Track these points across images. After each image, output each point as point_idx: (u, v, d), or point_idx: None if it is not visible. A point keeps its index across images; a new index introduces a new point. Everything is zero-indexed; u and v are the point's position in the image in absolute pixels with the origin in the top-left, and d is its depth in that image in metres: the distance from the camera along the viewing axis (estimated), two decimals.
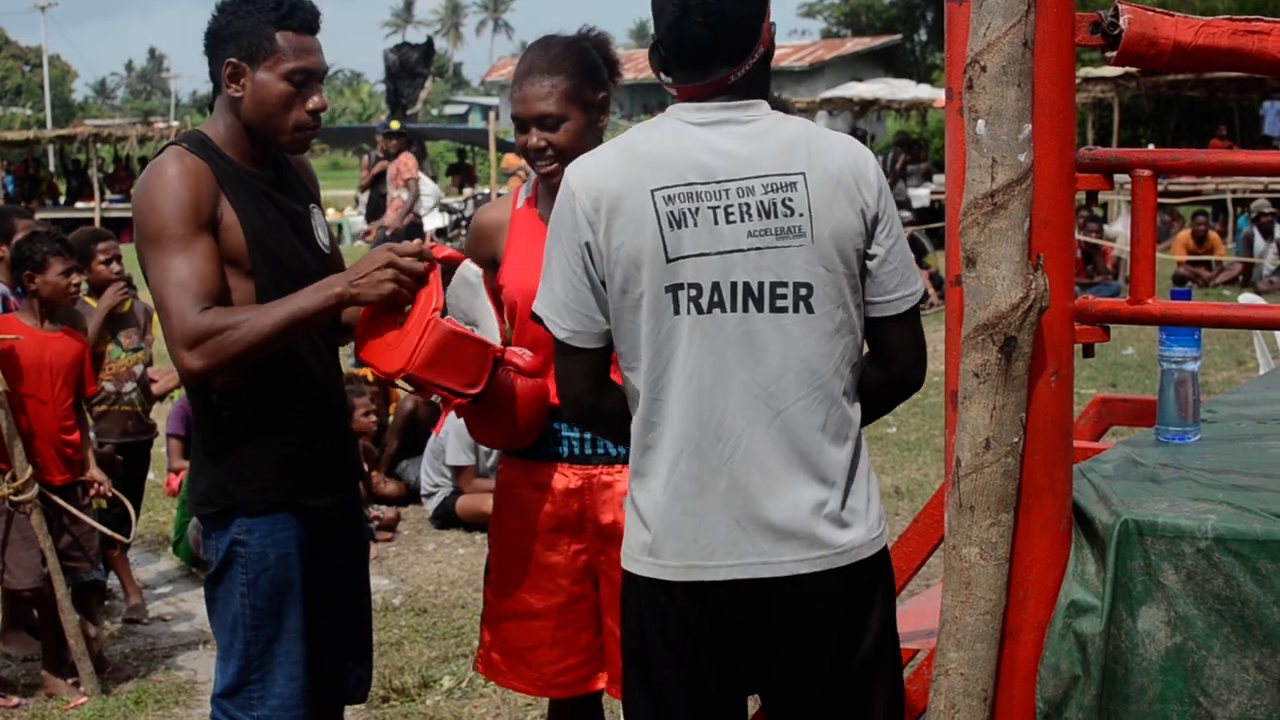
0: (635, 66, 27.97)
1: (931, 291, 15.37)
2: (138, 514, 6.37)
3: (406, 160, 15.24)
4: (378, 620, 5.76)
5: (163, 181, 3.00)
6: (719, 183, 2.43)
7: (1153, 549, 2.23)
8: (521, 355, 3.13)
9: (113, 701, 5.02)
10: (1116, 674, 2.24)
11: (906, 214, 18.72)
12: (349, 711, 4.04)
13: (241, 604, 3.12)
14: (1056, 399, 2.32)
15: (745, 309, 2.42)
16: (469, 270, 3.09)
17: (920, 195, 22.34)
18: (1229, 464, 2.64)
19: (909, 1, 46.93)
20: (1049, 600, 2.33)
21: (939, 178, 22.10)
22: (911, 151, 25.69)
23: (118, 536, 5.35)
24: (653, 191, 2.42)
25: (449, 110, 54.96)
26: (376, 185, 16.27)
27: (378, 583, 6.37)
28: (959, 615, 2.29)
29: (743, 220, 2.42)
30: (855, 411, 2.52)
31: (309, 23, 3.10)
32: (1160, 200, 12.95)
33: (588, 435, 3.21)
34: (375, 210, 16.35)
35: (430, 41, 31.68)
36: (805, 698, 2.53)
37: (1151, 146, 19.27)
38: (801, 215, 2.42)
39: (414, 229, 14.45)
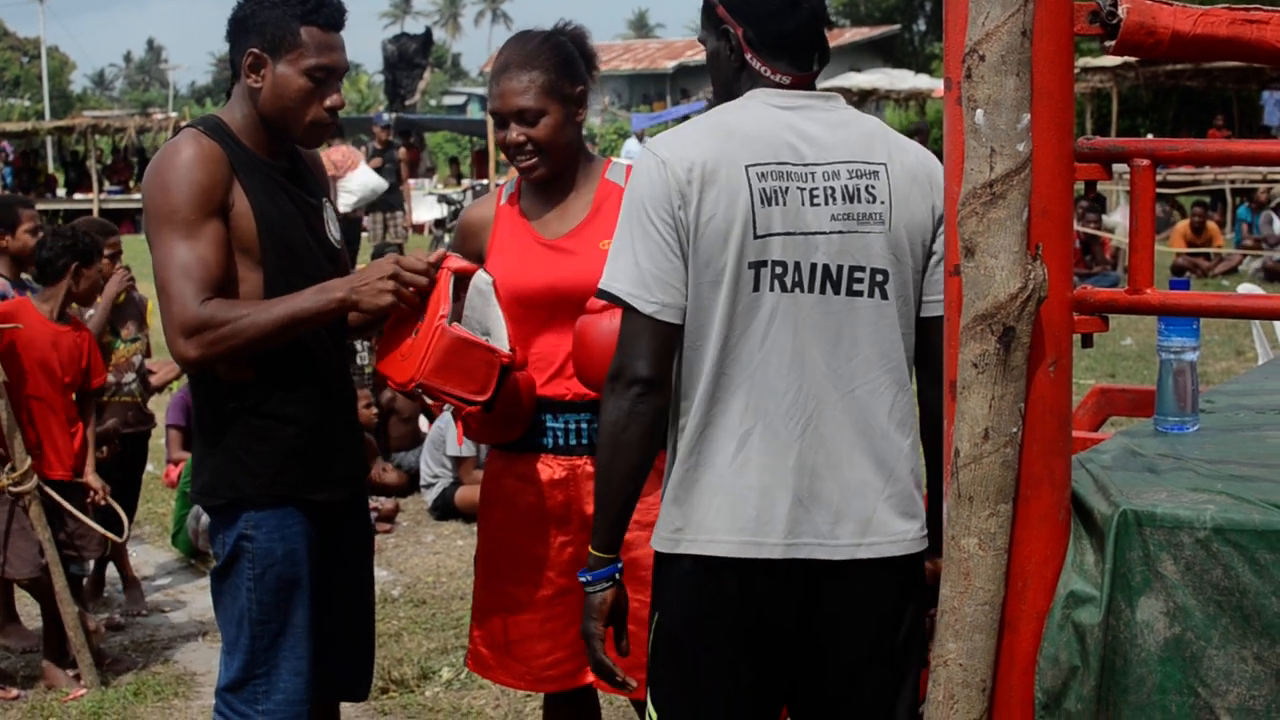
0: (635, 57, 27.95)
1: None
2: (136, 505, 6.38)
3: (342, 151, 15.07)
4: (377, 611, 5.78)
5: (177, 163, 2.98)
6: (807, 165, 2.48)
7: (1151, 539, 2.22)
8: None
9: (112, 693, 5.02)
10: (1115, 664, 2.24)
11: None
12: (349, 704, 4.04)
13: (248, 599, 3.11)
14: (1055, 389, 2.32)
15: (824, 290, 2.47)
16: (481, 279, 3.07)
17: None
18: (1228, 454, 2.64)
19: None
20: (1048, 591, 2.33)
21: None
22: (922, 141, 25.65)
23: (111, 535, 5.34)
24: (747, 167, 2.44)
25: (448, 101, 54.93)
26: None
27: (377, 574, 6.36)
28: (957, 606, 2.29)
29: (828, 203, 2.47)
30: (914, 406, 2.57)
31: (334, 19, 3.09)
32: (1159, 190, 12.93)
33: (572, 426, 3.20)
34: (375, 201, 16.37)
35: (429, 32, 31.68)
36: (834, 688, 2.54)
37: (1150, 136, 19.28)
38: (882, 204, 2.50)
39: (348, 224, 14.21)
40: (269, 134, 3.11)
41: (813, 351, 2.46)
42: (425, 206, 21.58)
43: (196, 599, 6.14)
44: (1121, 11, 2.27)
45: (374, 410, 7.64)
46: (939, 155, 2.45)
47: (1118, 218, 17.25)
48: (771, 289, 2.45)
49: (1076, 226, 13.48)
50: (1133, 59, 20.20)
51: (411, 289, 2.94)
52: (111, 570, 6.19)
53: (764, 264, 2.44)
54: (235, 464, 3.10)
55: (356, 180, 15.04)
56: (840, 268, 2.48)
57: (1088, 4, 2.29)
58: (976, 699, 2.30)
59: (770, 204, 2.44)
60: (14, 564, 5.08)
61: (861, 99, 26.74)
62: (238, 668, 3.14)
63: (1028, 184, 2.21)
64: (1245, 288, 10.85)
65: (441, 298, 2.94)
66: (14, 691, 5.07)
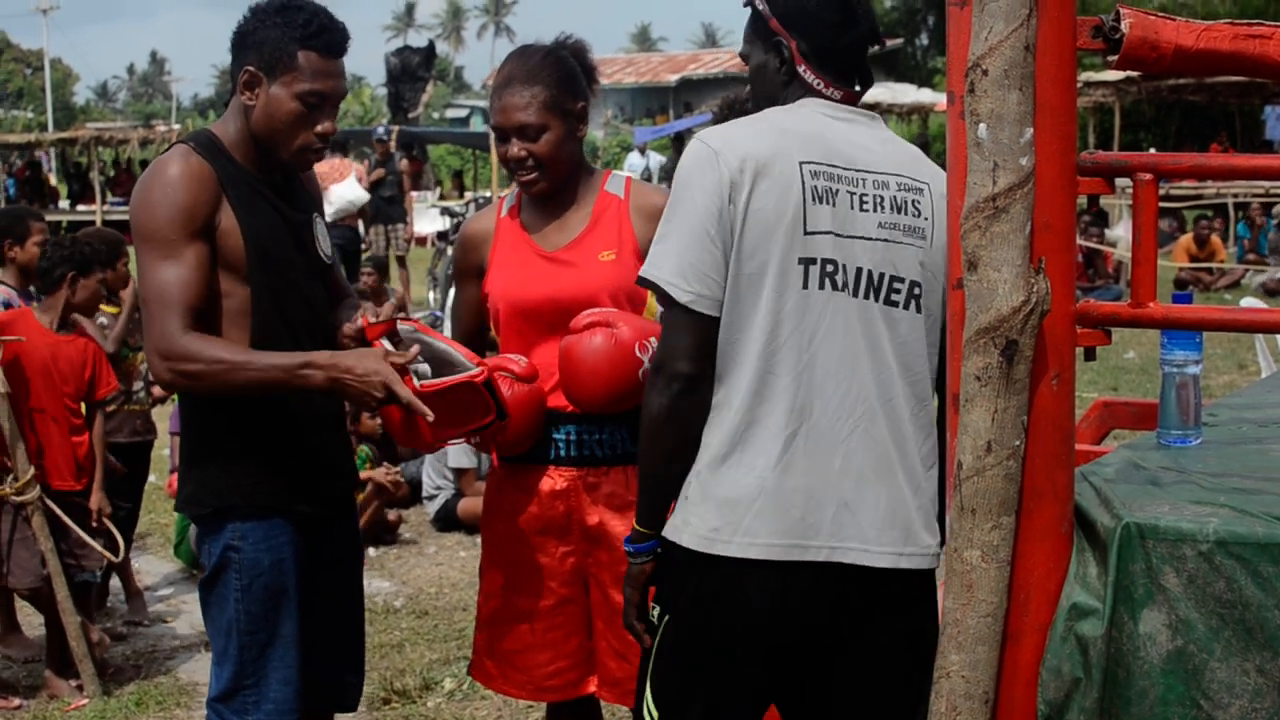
0: (637, 70, 27.97)
1: None
2: (138, 514, 6.38)
3: (330, 164, 15.31)
4: (379, 622, 5.78)
5: (163, 182, 2.98)
6: (858, 170, 2.50)
7: (1154, 552, 2.23)
8: (517, 361, 3.14)
9: (114, 703, 5.03)
10: (1118, 677, 2.24)
11: None
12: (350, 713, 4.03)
13: (236, 609, 3.11)
14: (1058, 402, 2.32)
15: (866, 296, 2.48)
16: (403, 328, 3.12)
17: None
18: (1230, 467, 2.65)
19: (910, 5, 46.89)
20: (1050, 603, 2.33)
21: None
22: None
23: (108, 554, 5.33)
24: (801, 163, 2.45)
25: (450, 114, 55.00)
26: (376, 189, 16.29)
27: (379, 585, 6.38)
28: (960, 618, 2.30)
29: (876, 211, 2.49)
30: (934, 422, 2.58)
31: (335, 46, 3.07)
32: (1162, 205, 12.94)
33: (574, 437, 3.21)
34: (376, 214, 16.39)
35: (432, 45, 31.73)
36: (847, 694, 2.53)
37: (1153, 151, 19.28)
38: (926, 220, 2.53)
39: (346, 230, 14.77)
40: (260, 150, 3.09)
41: (860, 355, 2.46)
42: (428, 219, 21.61)
43: (199, 609, 6.12)
44: (1124, 26, 2.28)
45: (378, 420, 7.60)
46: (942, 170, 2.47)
47: (1120, 232, 17.25)
48: (821, 287, 2.44)
49: (1079, 241, 13.48)
50: (1135, 74, 20.22)
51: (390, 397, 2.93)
52: (114, 580, 6.19)
53: (814, 261, 2.43)
54: (221, 474, 3.10)
55: (336, 192, 15.22)
56: (882, 275, 2.48)
57: (1091, 19, 2.30)
58: (979, 710, 2.30)
59: (821, 202, 2.44)
60: (16, 574, 5.09)
61: None
62: (227, 678, 3.14)
63: (1030, 198, 2.22)
64: (1248, 302, 10.85)
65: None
66: (16, 701, 5.07)
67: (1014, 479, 2.27)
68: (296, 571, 3.16)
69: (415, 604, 6.13)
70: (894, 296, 2.49)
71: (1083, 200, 2.46)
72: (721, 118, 4.24)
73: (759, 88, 2.62)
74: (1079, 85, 2.64)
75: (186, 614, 6.17)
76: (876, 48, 2.66)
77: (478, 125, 41.58)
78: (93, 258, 5.25)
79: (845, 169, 2.48)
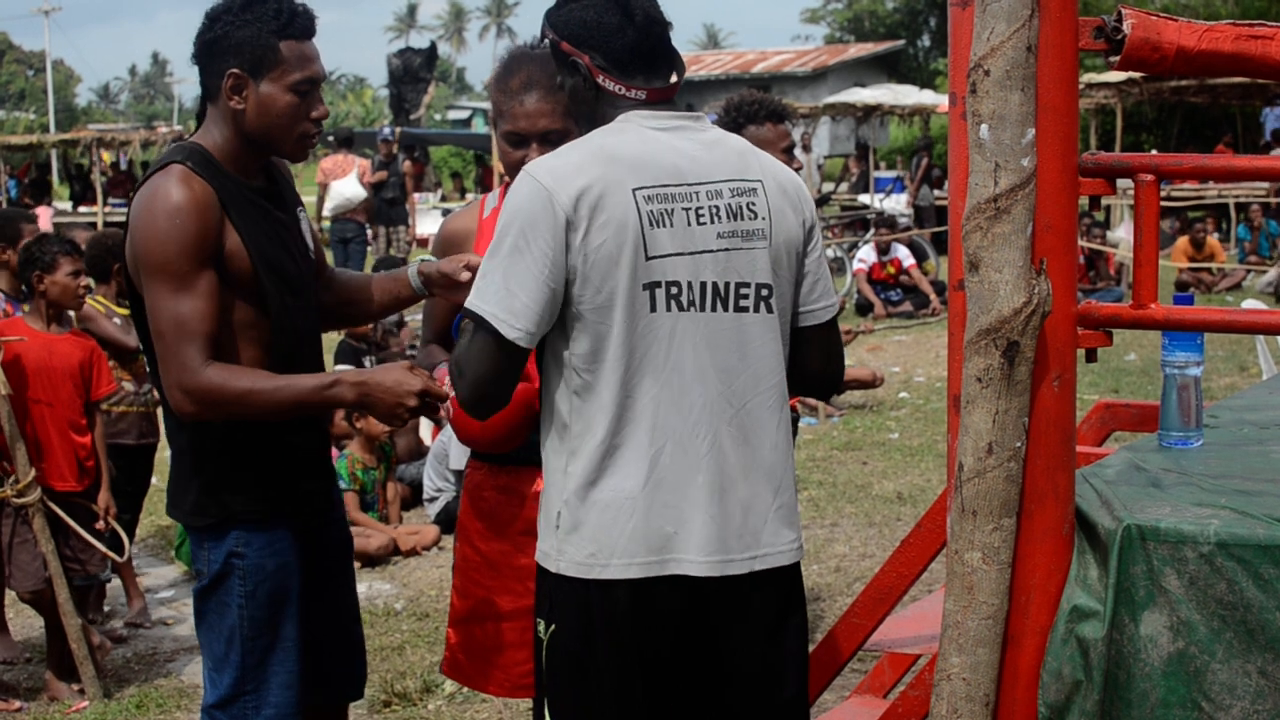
0: None
1: (934, 297, 15.37)
2: (138, 518, 6.39)
3: (334, 160, 15.45)
4: (380, 625, 5.78)
5: (169, 210, 2.92)
6: (690, 185, 2.51)
7: (1155, 554, 2.23)
8: None
9: (115, 705, 5.02)
10: (1119, 679, 2.24)
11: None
12: (351, 715, 4.03)
13: (239, 616, 3.10)
14: (1059, 404, 2.32)
15: (714, 308, 2.51)
16: None
17: (923, 198, 22.38)
18: (1232, 469, 2.64)
19: (912, 7, 46.92)
20: (1051, 605, 2.33)
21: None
22: (926, 158, 25.74)
23: (112, 555, 5.33)
24: (634, 190, 2.46)
25: (452, 115, 54.98)
26: (379, 191, 16.30)
27: (380, 587, 6.38)
28: (961, 620, 2.29)
29: (713, 222, 2.51)
30: (789, 418, 2.65)
31: (309, 28, 3.03)
32: (1165, 206, 12.85)
33: None
34: (378, 215, 16.39)
35: (434, 46, 31.75)
36: (725, 694, 2.59)
37: (1154, 152, 19.28)
38: (763, 219, 2.55)
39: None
40: (249, 154, 3.06)
41: (710, 368, 2.50)
42: (430, 220, 21.66)
43: None
44: (1126, 27, 2.27)
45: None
46: (944, 171, 2.46)
47: (1122, 233, 17.24)
48: (669, 309, 2.47)
49: (1081, 242, 13.49)
50: (1137, 75, 20.22)
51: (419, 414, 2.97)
52: (114, 581, 6.19)
53: (658, 284, 2.46)
54: (222, 482, 3.10)
55: (335, 188, 15.35)
56: (728, 285, 2.51)
57: (1093, 19, 2.30)
58: (980, 713, 2.30)
59: (658, 225, 2.46)
60: (17, 577, 5.09)
61: (866, 114, 26.76)
62: (228, 684, 3.12)
63: (1032, 199, 2.22)
64: (1249, 303, 10.84)
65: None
66: (16, 704, 5.07)
67: (1015, 481, 2.26)
68: (301, 575, 3.16)
69: (416, 606, 6.13)
70: (743, 303, 2.53)
71: (1085, 202, 2.46)
72: (725, 119, 4.23)
73: (578, 110, 2.65)
74: (1081, 87, 2.64)
75: (187, 617, 6.16)
76: (666, 29, 2.63)
77: (479, 127, 41.56)
78: (59, 254, 5.16)
79: (677, 186, 2.49)
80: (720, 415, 2.50)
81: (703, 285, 2.49)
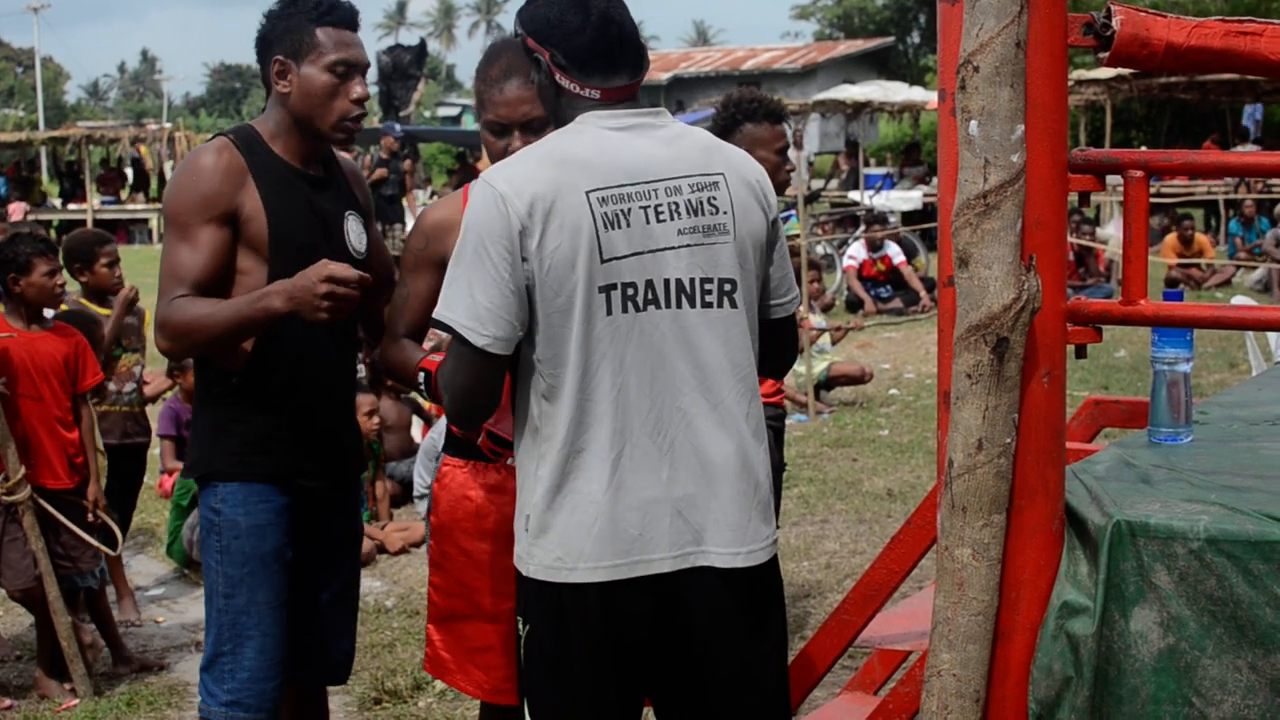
0: None
1: (924, 294, 15.39)
2: (131, 515, 6.37)
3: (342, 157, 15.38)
4: (371, 622, 5.77)
5: (190, 169, 3.25)
6: (648, 183, 2.51)
7: (1145, 550, 2.23)
8: None
9: (105, 703, 5.01)
10: (1109, 675, 2.24)
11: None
12: (342, 713, 4.02)
13: (216, 572, 3.29)
14: (1049, 400, 2.32)
15: (678, 305, 2.51)
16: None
17: (912, 197, 22.35)
18: (1221, 465, 2.65)
19: (901, 4, 46.98)
20: (1041, 601, 2.33)
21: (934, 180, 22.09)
22: (910, 155, 25.76)
23: (105, 549, 5.32)
24: (587, 193, 2.47)
25: (442, 112, 54.91)
26: (378, 187, 16.27)
27: (370, 584, 6.37)
28: (951, 616, 2.29)
29: (673, 219, 2.51)
30: (762, 413, 2.65)
31: (347, 19, 3.31)
32: (1154, 202, 12.88)
33: None
34: (376, 213, 16.37)
35: (423, 43, 31.67)
36: (704, 688, 2.59)
37: (1144, 149, 19.31)
38: (725, 213, 2.55)
39: None
40: (302, 139, 3.31)
41: (677, 365, 2.50)
42: None
43: (190, 609, 6.13)
44: (1115, 23, 2.27)
45: (376, 421, 7.53)
46: (933, 167, 2.47)
47: (1112, 230, 17.27)
48: (625, 310, 2.47)
49: (1070, 238, 13.51)
50: (1126, 71, 20.25)
51: (344, 301, 3.04)
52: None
53: (613, 287, 2.47)
54: (213, 441, 3.31)
55: None
56: (692, 281, 2.51)
57: (1082, 15, 2.30)
58: (970, 709, 2.30)
59: (614, 227, 2.46)
60: (7, 575, 5.07)
61: (855, 111, 26.78)
62: (210, 643, 3.31)
63: (1021, 195, 2.22)
64: (1239, 300, 10.87)
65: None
66: (7, 702, 5.06)
67: (1005, 477, 2.27)
68: (281, 541, 3.29)
69: (406, 604, 6.12)
70: (708, 298, 2.53)
71: (1074, 198, 2.46)
72: (723, 115, 4.24)
73: (545, 106, 2.68)
74: (1070, 83, 2.64)
75: (178, 614, 6.16)
76: (626, 28, 2.61)
77: (469, 123, 41.53)
78: (33, 254, 5.14)
79: (634, 185, 2.49)
80: (685, 412, 2.51)
81: (665, 282, 2.49)
